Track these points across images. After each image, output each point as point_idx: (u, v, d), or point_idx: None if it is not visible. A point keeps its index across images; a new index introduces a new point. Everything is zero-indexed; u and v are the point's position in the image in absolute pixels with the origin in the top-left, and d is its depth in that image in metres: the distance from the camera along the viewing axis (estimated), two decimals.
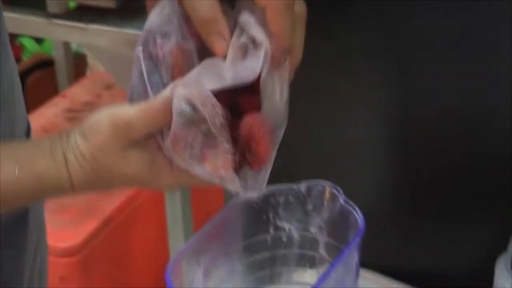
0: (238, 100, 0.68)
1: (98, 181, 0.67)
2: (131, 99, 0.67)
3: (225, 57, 0.64)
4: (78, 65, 2.34)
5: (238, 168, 0.67)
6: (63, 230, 1.63)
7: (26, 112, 0.84)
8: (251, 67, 0.63)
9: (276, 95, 0.66)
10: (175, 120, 0.64)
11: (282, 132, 0.67)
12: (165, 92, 0.64)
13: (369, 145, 1.05)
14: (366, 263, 1.02)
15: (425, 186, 1.04)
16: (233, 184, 0.66)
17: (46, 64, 2.30)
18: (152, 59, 0.67)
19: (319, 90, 1.01)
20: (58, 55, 2.27)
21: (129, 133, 0.64)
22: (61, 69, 2.26)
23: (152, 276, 1.72)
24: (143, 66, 0.67)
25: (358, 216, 0.79)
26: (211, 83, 0.63)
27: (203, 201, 1.69)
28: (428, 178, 1.03)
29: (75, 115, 1.97)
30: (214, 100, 0.63)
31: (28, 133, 0.84)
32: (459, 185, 1.03)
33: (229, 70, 0.63)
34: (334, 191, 0.83)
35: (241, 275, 0.84)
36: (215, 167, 0.66)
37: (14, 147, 0.68)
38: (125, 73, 1.51)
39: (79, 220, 1.68)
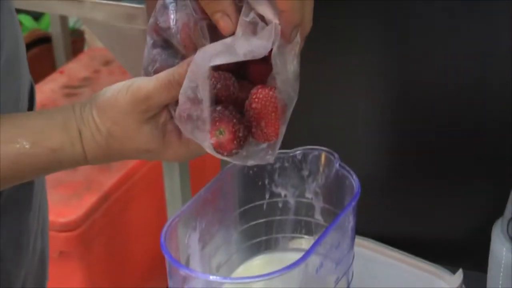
0: (247, 69, 0.68)
1: (110, 154, 0.68)
2: (146, 71, 0.69)
3: (231, 34, 0.65)
4: (76, 42, 2.34)
5: (243, 141, 0.67)
6: (62, 205, 1.63)
7: None
8: (262, 43, 0.64)
9: (288, 70, 0.66)
10: (181, 93, 0.65)
11: (292, 108, 0.68)
12: (181, 65, 0.65)
13: (365, 112, 1.05)
14: (362, 231, 1.02)
15: (421, 153, 1.04)
16: (236, 159, 0.68)
17: (43, 40, 2.30)
18: (165, 31, 0.69)
19: (316, 57, 1.00)
20: (55, 31, 2.26)
21: (148, 106, 0.65)
22: (59, 46, 2.26)
23: (151, 249, 1.73)
24: (157, 38, 0.68)
25: (354, 180, 0.79)
26: (223, 58, 0.64)
27: (201, 171, 1.69)
28: (424, 144, 1.03)
29: (72, 91, 1.97)
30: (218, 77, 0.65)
31: (31, 92, 0.85)
32: (456, 152, 1.03)
33: (241, 46, 0.64)
34: (330, 156, 0.82)
35: (237, 242, 0.85)
36: (219, 141, 0.67)
37: (26, 120, 0.69)
38: (122, 47, 1.51)
39: (78, 195, 1.68)
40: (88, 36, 2.30)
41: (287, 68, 0.66)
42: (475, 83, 0.99)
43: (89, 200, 1.67)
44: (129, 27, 1.39)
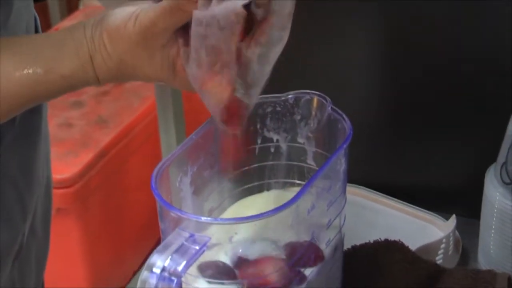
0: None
1: (122, 77, 0.71)
2: None
3: None
4: None
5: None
6: (59, 162, 1.63)
7: None
8: None
9: (286, 8, 0.67)
10: (192, 28, 0.66)
11: (282, 47, 0.69)
12: None
13: (358, 57, 1.04)
14: (355, 179, 1.03)
15: (414, 99, 1.03)
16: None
17: None
18: None
19: (310, 2, 0.99)
20: None
21: (154, 32, 0.67)
22: (54, 4, 2.24)
23: (148, 205, 1.73)
24: None
25: (346, 123, 0.79)
26: None
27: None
28: (418, 91, 1.03)
29: None
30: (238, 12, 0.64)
31: (36, 27, 0.87)
32: (449, 98, 1.02)
33: None
34: (322, 100, 0.82)
35: (229, 187, 0.84)
36: (216, 92, 0.68)
37: (38, 46, 0.70)
38: (118, 5, 1.50)
39: (74, 152, 1.68)
40: None
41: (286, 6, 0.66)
42: (472, 30, 0.98)
43: (86, 157, 1.67)
44: None
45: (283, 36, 0.69)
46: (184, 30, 0.68)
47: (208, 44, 0.66)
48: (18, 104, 0.70)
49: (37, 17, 0.88)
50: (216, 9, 0.65)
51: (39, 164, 0.87)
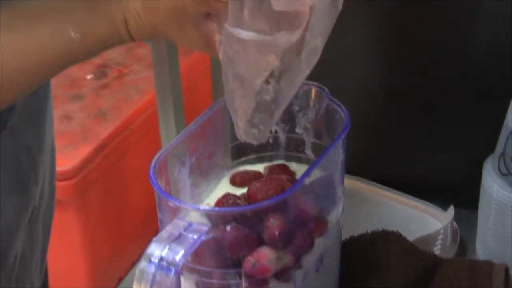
0: None
1: (157, 39, 0.73)
2: None
3: None
4: None
5: None
6: (59, 154, 1.60)
7: None
8: None
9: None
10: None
11: None
12: None
13: (356, 48, 1.04)
14: (353, 170, 1.03)
15: (413, 90, 1.03)
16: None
17: None
18: None
19: None
20: None
21: (185, 13, 0.68)
22: None
23: (148, 198, 1.73)
24: None
25: (343, 113, 0.79)
26: None
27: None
28: (416, 81, 1.03)
29: None
30: None
31: None
32: (448, 89, 1.02)
33: None
34: (320, 91, 0.82)
35: (227, 177, 0.85)
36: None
37: (72, 8, 0.71)
38: None
39: (74, 145, 1.68)
40: None
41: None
42: (471, 20, 0.98)
43: (86, 149, 1.68)
44: None
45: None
46: (219, 16, 0.68)
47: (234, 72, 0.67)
48: (54, 69, 0.72)
49: None
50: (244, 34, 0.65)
51: (48, 130, 0.90)
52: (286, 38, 0.65)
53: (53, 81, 0.90)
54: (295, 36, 0.65)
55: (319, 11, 0.65)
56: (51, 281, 1.08)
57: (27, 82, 0.72)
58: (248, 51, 0.66)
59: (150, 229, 1.80)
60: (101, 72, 1.93)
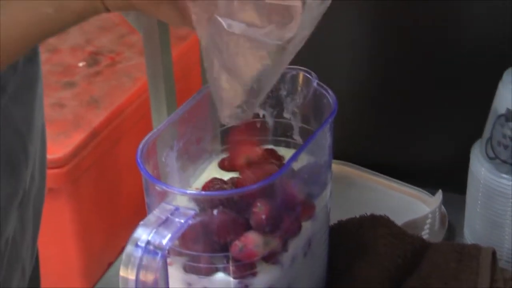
0: None
1: (132, 11, 0.72)
2: None
3: None
4: None
5: None
6: (50, 142, 1.61)
7: None
8: None
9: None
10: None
11: None
12: None
13: (344, 33, 1.04)
14: (341, 155, 1.03)
15: (401, 75, 1.04)
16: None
17: None
18: None
19: None
20: None
21: None
22: None
23: (140, 186, 1.73)
24: None
25: (331, 97, 0.79)
26: None
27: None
28: (404, 66, 1.03)
29: None
30: None
31: None
32: (435, 73, 1.02)
33: None
34: (308, 75, 0.82)
35: (216, 162, 0.85)
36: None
37: None
38: None
39: (66, 133, 1.68)
40: None
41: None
42: (461, 7, 0.98)
43: (78, 137, 1.67)
44: None
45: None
46: None
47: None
48: (27, 44, 0.71)
49: None
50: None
51: (37, 112, 0.89)
52: (279, 35, 0.64)
53: (45, 69, 0.89)
54: (288, 33, 0.65)
55: (311, 5, 0.65)
56: (43, 269, 1.08)
57: None
58: (240, 47, 0.66)
59: (143, 216, 1.80)
60: (93, 60, 1.92)
